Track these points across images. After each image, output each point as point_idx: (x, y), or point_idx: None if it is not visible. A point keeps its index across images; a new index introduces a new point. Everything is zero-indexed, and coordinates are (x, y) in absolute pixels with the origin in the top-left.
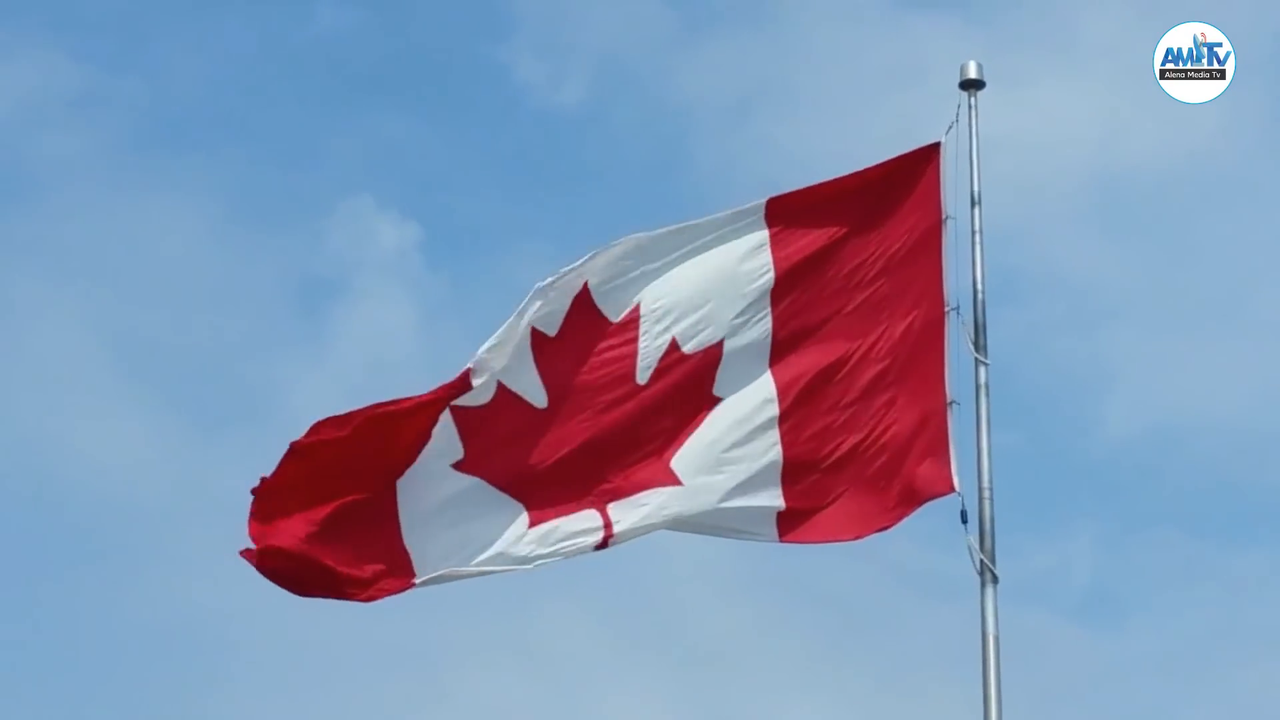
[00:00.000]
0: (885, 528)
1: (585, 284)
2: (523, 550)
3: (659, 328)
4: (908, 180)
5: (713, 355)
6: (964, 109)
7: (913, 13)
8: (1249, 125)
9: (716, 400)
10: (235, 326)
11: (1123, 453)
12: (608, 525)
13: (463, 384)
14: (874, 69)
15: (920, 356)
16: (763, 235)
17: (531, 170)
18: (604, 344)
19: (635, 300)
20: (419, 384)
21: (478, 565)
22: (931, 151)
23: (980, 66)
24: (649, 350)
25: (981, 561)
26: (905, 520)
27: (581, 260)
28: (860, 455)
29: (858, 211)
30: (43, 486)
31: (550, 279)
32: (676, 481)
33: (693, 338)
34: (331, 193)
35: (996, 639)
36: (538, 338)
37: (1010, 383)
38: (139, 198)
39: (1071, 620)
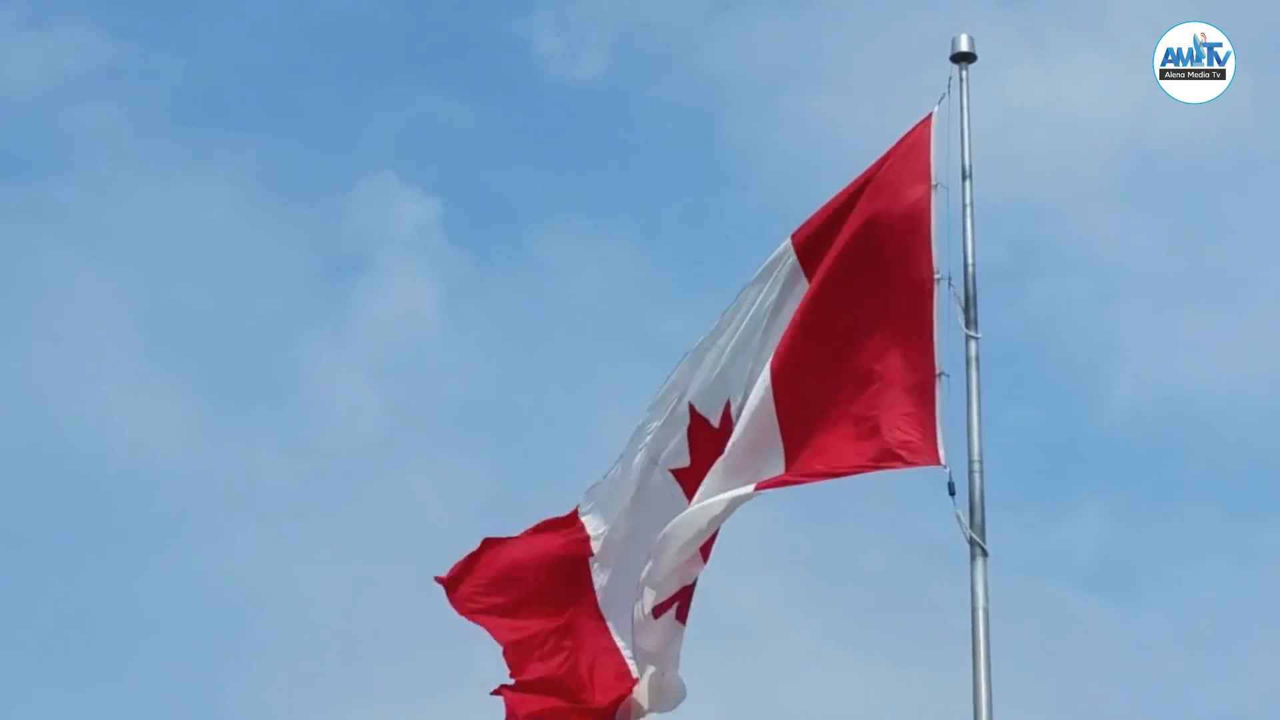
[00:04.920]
0: (851, 472)
1: (691, 407)
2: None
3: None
4: (902, 157)
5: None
6: (955, 82)
7: None
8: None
9: None
10: (264, 302)
11: (1142, 426)
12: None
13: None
14: (905, 45)
15: (909, 325)
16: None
17: (554, 145)
18: (714, 444)
19: (726, 399)
20: (442, 361)
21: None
22: (924, 124)
23: (972, 40)
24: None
25: (970, 535)
26: (932, 495)
27: (672, 379)
28: (841, 404)
29: (864, 200)
30: (73, 457)
31: (664, 388)
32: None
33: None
34: (353, 169)
35: (986, 612)
36: (680, 474)
37: (1033, 355)
38: (172, 172)
39: (1087, 591)
